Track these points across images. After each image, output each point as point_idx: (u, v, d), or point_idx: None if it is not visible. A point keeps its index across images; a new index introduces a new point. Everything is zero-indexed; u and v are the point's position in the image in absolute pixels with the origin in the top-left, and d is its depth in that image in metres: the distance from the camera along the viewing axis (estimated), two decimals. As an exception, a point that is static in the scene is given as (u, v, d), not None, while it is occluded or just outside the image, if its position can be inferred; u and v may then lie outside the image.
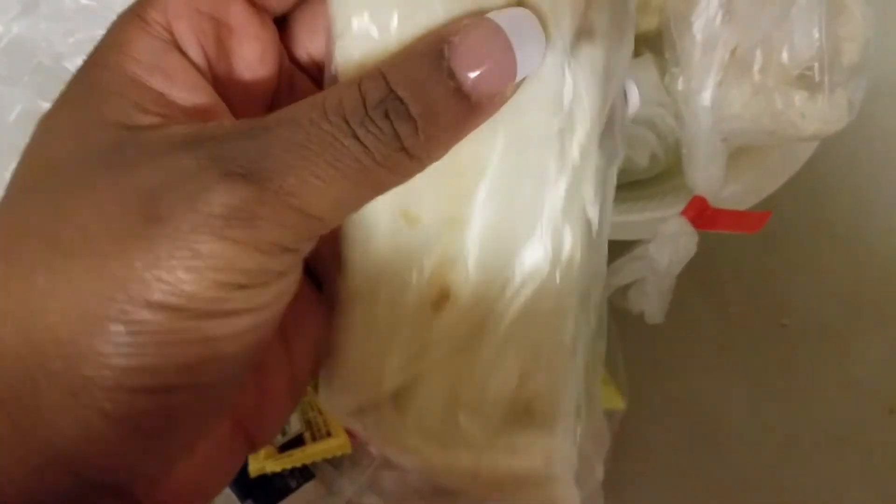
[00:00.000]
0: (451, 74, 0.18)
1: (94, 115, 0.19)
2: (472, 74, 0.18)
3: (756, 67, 0.36)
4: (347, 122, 0.18)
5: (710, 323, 0.46)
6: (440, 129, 0.18)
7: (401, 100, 0.18)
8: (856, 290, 0.47)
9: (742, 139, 0.37)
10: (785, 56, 0.36)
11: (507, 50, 0.19)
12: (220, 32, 0.21)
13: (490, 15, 0.19)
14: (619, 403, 0.42)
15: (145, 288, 0.17)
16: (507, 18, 0.19)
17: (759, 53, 0.36)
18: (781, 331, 0.47)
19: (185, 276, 0.17)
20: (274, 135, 0.18)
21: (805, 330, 0.46)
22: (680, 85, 0.37)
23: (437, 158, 0.19)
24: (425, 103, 0.18)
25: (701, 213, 0.35)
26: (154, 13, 0.20)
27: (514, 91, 0.20)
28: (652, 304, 0.35)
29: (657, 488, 0.44)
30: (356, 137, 0.18)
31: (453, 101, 0.18)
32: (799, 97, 0.36)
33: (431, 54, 0.18)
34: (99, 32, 0.36)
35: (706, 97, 0.36)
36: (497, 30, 0.19)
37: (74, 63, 0.34)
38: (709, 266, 0.38)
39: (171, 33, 0.20)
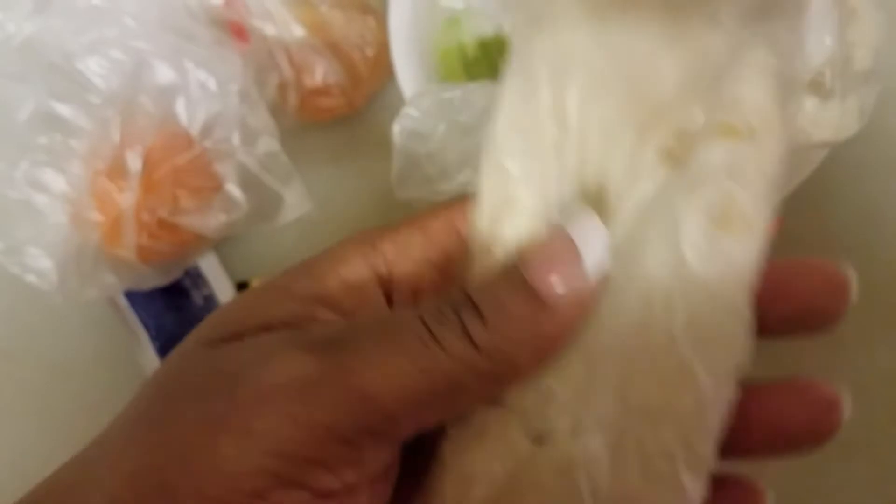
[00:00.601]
0: (522, 278, 0.20)
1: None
2: (542, 276, 0.19)
3: (767, 72, 0.36)
4: (423, 319, 0.19)
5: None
6: (509, 322, 0.19)
7: (473, 301, 0.19)
8: (863, 296, 0.46)
9: (752, 144, 0.37)
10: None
11: (574, 255, 0.20)
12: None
13: (560, 222, 0.21)
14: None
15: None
16: (576, 226, 0.20)
17: (770, 58, 0.36)
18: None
19: (231, 451, 0.17)
20: (357, 324, 0.20)
21: (813, 336, 0.46)
22: (691, 89, 0.36)
23: (514, 359, 0.20)
24: (495, 302, 0.19)
25: (712, 218, 0.35)
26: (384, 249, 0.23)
27: (594, 294, 0.20)
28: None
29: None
30: (425, 324, 0.19)
31: (522, 297, 0.19)
32: (810, 103, 0.36)
33: (507, 267, 0.20)
34: (109, 32, 0.36)
35: (717, 102, 0.36)
36: (564, 237, 0.20)
37: (85, 62, 0.34)
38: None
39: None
